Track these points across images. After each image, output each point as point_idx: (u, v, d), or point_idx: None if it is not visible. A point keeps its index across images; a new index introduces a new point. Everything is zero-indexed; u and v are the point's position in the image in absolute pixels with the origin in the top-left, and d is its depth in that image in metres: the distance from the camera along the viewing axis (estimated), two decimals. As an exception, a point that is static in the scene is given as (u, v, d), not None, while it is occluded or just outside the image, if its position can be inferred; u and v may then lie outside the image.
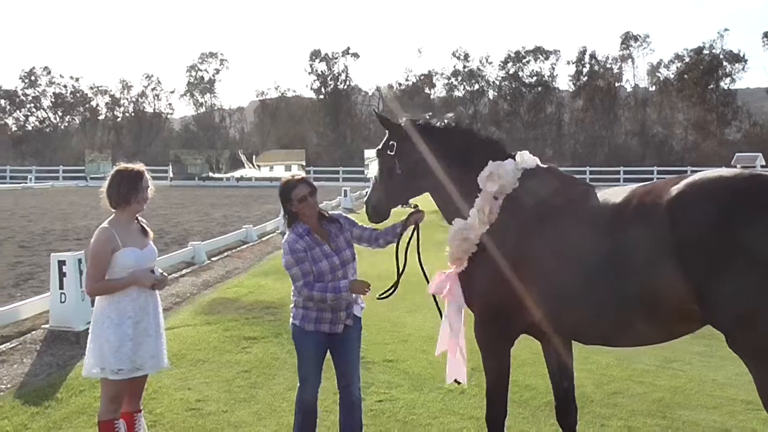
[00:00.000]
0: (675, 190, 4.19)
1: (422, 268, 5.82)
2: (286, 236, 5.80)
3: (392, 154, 5.63)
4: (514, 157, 5.23)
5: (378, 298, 5.89)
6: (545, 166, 5.26)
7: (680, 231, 4.06)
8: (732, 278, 3.90)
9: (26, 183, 61.22)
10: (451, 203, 5.40)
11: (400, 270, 5.81)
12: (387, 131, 5.78)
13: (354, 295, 5.76)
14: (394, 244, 5.85)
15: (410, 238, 5.82)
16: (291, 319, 5.84)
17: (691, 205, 4.09)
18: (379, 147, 5.81)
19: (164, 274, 5.69)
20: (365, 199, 6.02)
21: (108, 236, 5.33)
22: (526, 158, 5.20)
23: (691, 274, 4.03)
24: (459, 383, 5.67)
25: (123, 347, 5.27)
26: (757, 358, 4.01)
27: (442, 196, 5.49)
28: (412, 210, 5.87)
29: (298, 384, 5.84)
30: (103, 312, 5.34)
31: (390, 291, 5.93)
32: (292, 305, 5.86)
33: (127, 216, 5.48)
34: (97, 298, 5.45)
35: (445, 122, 5.62)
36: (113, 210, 5.47)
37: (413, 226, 5.84)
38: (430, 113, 5.86)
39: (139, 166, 5.56)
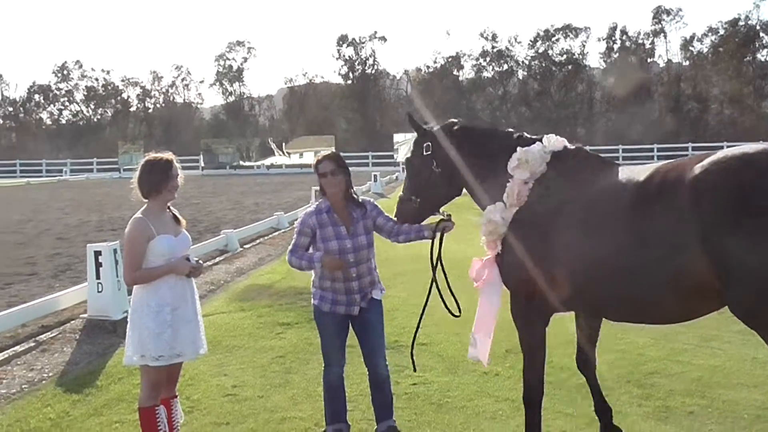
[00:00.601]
0: (698, 168, 4.18)
1: (446, 279, 5.92)
2: (308, 208, 6.01)
3: (429, 153, 5.62)
4: (541, 140, 5.22)
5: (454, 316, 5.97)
6: (573, 147, 5.24)
7: (702, 209, 4.06)
8: (752, 255, 3.90)
9: (61, 176, 62.01)
10: (485, 192, 5.42)
11: (437, 286, 5.91)
12: (417, 136, 5.79)
13: (371, 281, 5.95)
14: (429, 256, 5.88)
15: (438, 248, 5.87)
16: (312, 300, 6.04)
17: (713, 183, 4.08)
18: (409, 155, 5.83)
19: (200, 261, 5.74)
20: (396, 205, 5.97)
21: (143, 225, 5.38)
22: (553, 141, 5.21)
23: (711, 252, 4.03)
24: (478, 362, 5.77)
25: (163, 334, 5.33)
26: None
27: (478, 190, 5.51)
28: (444, 218, 5.87)
29: (324, 365, 6.05)
30: (142, 300, 5.39)
31: (456, 312, 5.97)
32: (312, 285, 6.05)
33: (159, 205, 5.53)
34: (135, 287, 5.50)
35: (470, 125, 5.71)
36: (145, 200, 5.52)
37: (440, 234, 5.85)
38: (459, 119, 5.87)
39: (167, 154, 5.59)
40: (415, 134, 5.83)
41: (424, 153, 5.65)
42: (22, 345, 9.07)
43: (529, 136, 5.39)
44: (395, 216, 5.92)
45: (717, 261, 4.03)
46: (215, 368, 8.02)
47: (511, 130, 5.56)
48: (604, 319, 5.41)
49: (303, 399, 7.05)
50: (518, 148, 5.18)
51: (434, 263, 5.84)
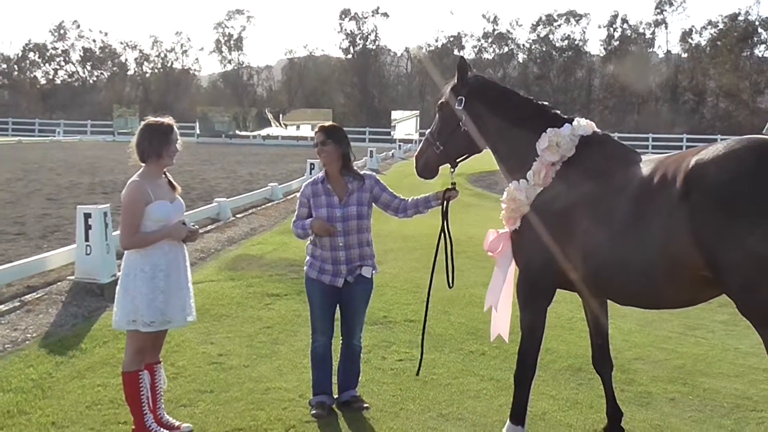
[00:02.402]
0: (693, 159, 4.24)
1: (449, 242, 5.93)
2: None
3: (460, 108, 5.55)
4: (571, 122, 5.20)
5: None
6: (601, 133, 5.24)
7: (693, 199, 4.13)
8: (739, 244, 3.97)
9: (54, 136, 61.60)
10: (510, 164, 5.41)
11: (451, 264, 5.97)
12: (455, 84, 5.64)
13: (361, 255, 6.03)
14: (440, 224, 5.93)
15: (445, 217, 5.91)
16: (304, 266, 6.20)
17: (704, 174, 4.14)
18: (442, 100, 5.73)
19: (196, 226, 5.70)
20: (415, 152, 5.99)
21: (141, 189, 5.33)
22: (583, 124, 5.19)
23: (702, 242, 4.10)
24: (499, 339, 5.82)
25: (155, 300, 5.30)
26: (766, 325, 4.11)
27: (503, 157, 5.49)
28: (449, 187, 5.90)
29: (311, 334, 6.22)
30: (135, 265, 5.34)
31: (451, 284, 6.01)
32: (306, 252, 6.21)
33: (157, 170, 5.47)
34: (127, 251, 5.45)
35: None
36: (142, 164, 5.46)
37: (446, 203, 5.90)
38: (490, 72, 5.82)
39: (168, 119, 5.54)
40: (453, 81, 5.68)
41: (456, 107, 5.57)
42: (7, 304, 9.00)
43: (560, 114, 5.35)
44: (416, 153, 5.93)
45: (706, 252, 4.10)
46: (202, 336, 8.01)
47: (546, 103, 5.50)
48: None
49: (288, 370, 7.05)
50: (548, 129, 5.15)
51: (443, 231, 5.90)
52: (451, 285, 5.96)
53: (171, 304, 5.40)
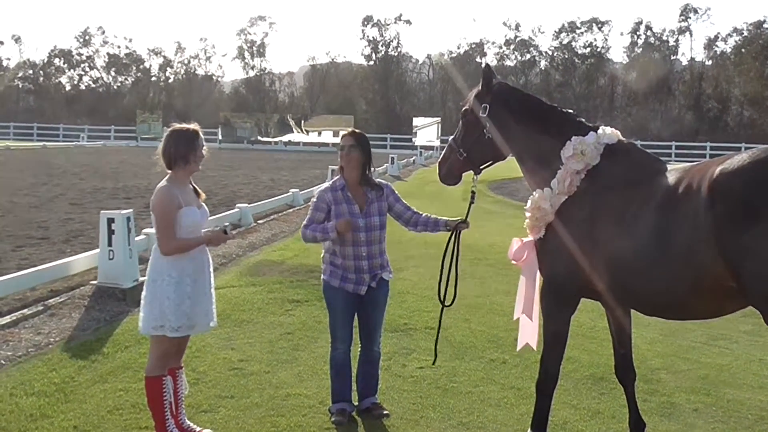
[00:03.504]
0: (718, 169, 4.21)
1: (456, 276, 5.97)
2: (322, 186, 6.14)
3: (484, 116, 5.54)
4: (596, 130, 5.18)
5: (444, 305, 6.08)
6: (626, 141, 5.22)
7: (716, 210, 4.11)
8: (764, 255, 3.93)
9: (78, 141, 62.19)
10: (534, 172, 5.39)
11: (446, 281, 6.00)
12: (480, 91, 5.63)
13: (381, 264, 6.06)
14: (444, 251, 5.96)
15: (454, 246, 5.93)
16: (322, 275, 6.17)
17: (727, 185, 4.12)
18: (466, 108, 5.72)
19: (233, 233, 5.72)
20: (439, 158, 5.98)
21: (172, 194, 5.33)
22: (608, 132, 5.16)
23: (727, 252, 4.07)
24: (531, 348, 5.78)
25: (182, 305, 5.31)
26: None
27: (527, 165, 5.48)
28: (461, 221, 5.96)
29: (330, 341, 6.19)
30: (162, 270, 5.34)
31: (452, 302, 6.07)
32: (322, 261, 6.17)
33: (184, 176, 5.48)
34: (152, 257, 5.43)
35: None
36: (168, 171, 5.47)
37: (455, 233, 5.96)
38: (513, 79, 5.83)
39: (193, 125, 5.56)
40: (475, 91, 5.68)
41: (480, 114, 5.55)
42: (31, 308, 9.08)
43: (585, 122, 5.33)
44: (440, 159, 5.91)
45: (731, 262, 4.07)
46: (223, 341, 8.03)
47: (571, 111, 5.48)
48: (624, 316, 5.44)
49: (309, 376, 7.05)
50: (573, 137, 5.13)
51: (452, 260, 5.91)
52: (444, 303, 6.02)
53: (197, 310, 5.43)
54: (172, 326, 5.31)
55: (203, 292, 5.50)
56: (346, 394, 6.13)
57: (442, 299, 6.01)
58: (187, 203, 5.39)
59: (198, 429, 5.70)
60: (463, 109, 5.76)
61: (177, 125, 5.55)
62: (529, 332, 5.70)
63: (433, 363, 6.50)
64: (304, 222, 6.04)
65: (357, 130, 6.24)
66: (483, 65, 5.78)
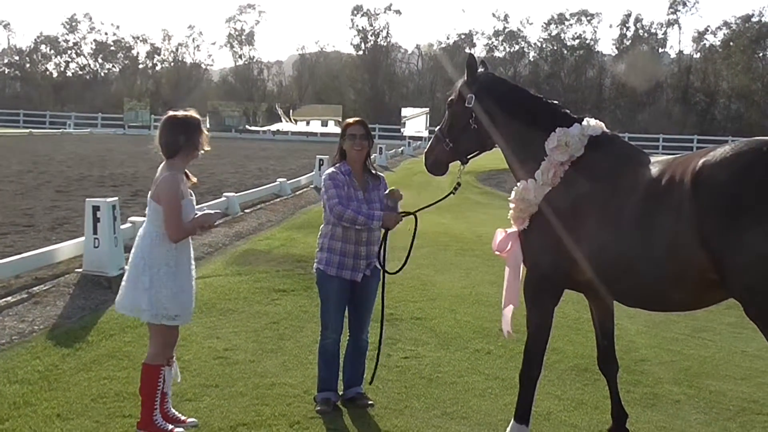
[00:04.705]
0: (701, 161, 4.23)
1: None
2: (327, 170, 6.12)
3: (470, 106, 5.54)
4: (580, 122, 5.18)
5: (388, 272, 6.21)
6: (609, 133, 5.24)
7: (699, 201, 4.13)
8: (745, 247, 3.96)
9: (65, 129, 61.79)
10: (519, 162, 5.40)
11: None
12: (465, 81, 5.63)
13: (374, 251, 6.10)
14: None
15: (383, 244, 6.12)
16: (315, 264, 6.14)
17: (710, 177, 4.14)
18: (452, 98, 5.73)
19: (218, 211, 5.74)
20: (425, 149, 6.01)
21: (179, 182, 5.33)
22: (593, 124, 5.17)
23: (708, 243, 4.10)
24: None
25: (181, 294, 5.34)
26: None
27: (512, 156, 5.48)
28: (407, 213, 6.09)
29: (321, 330, 6.19)
30: (160, 259, 5.32)
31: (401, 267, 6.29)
32: (317, 249, 6.14)
33: (183, 164, 5.45)
34: (148, 245, 5.37)
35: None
36: (168, 158, 5.41)
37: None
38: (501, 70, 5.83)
39: (192, 111, 5.53)
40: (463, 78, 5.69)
41: (466, 104, 5.56)
42: (15, 296, 9.02)
43: (570, 114, 5.33)
44: (426, 150, 5.95)
45: (713, 254, 4.09)
46: (208, 330, 8.01)
47: (555, 102, 5.47)
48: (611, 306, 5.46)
49: (294, 366, 7.05)
50: (558, 129, 5.14)
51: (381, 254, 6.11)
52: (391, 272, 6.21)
53: (190, 299, 5.47)
54: (169, 315, 5.32)
55: (192, 280, 5.52)
56: (333, 384, 6.15)
57: (382, 264, 6.12)
58: (185, 193, 5.39)
59: (183, 418, 5.69)
60: (449, 99, 5.77)
61: (179, 113, 5.48)
62: (508, 320, 5.71)
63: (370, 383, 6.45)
64: (335, 200, 5.86)
65: (361, 119, 6.28)
66: (467, 56, 5.77)
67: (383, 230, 6.03)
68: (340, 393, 6.22)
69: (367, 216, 5.82)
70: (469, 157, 5.79)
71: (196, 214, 5.51)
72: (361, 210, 5.87)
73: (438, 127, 5.90)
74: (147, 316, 5.36)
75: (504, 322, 5.72)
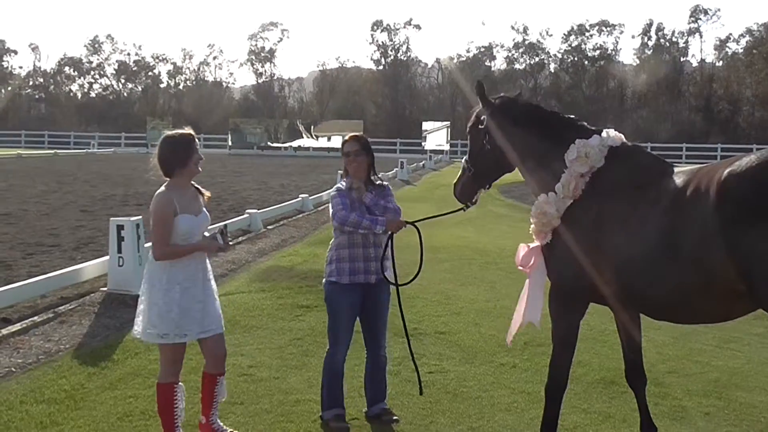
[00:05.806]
0: (726, 171, 4.18)
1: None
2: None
3: (482, 128, 5.56)
4: (599, 133, 5.16)
5: (391, 283, 6.16)
6: (630, 144, 5.20)
7: (725, 211, 4.08)
8: None
9: (89, 149, 62.38)
10: (537, 179, 5.38)
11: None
12: (480, 105, 5.67)
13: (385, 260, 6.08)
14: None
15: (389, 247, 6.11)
16: (325, 279, 6.14)
17: (736, 186, 4.09)
18: (470, 123, 5.77)
19: (229, 242, 5.71)
20: (455, 180, 5.96)
21: (168, 199, 5.34)
22: (612, 135, 5.14)
23: (735, 254, 4.04)
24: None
25: (170, 313, 5.29)
26: None
27: (531, 171, 5.46)
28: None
29: (329, 345, 6.13)
30: (155, 276, 5.36)
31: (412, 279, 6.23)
32: (326, 264, 6.13)
33: (183, 181, 5.49)
34: (149, 263, 5.47)
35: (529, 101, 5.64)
36: (167, 178, 5.49)
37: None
38: (519, 92, 5.82)
39: (187, 129, 5.58)
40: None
41: (479, 126, 5.59)
42: (41, 315, 9.10)
43: (588, 126, 5.31)
44: (456, 180, 5.92)
45: (740, 265, 4.04)
46: (232, 347, 7.99)
47: (572, 117, 5.46)
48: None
49: (318, 382, 6.94)
50: (577, 140, 5.11)
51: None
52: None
53: (187, 318, 5.36)
54: (157, 333, 5.32)
55: (196, 300, 5.42)
56: (340, 400, 6.08)
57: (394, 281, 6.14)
58: (184, 209, 5.38)
59: (229, 430, 5.74)
60: (468, 126, 5.80)
61: (171, 132, 5.58)
62: (513, 328, 5.69)
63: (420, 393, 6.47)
64: (339, 207, 5.90)
65: (358, 134, 6.27)
66: (477, 83, 5.75)
67: (387, 236, 6.03)
68: (364, 410, 6.19)
69: (371, 220, 5.86)
70: (490, 180, 5.77)
71: (208, 230, 5.54)
72: (363, 216, 5.90)
73: (464, 158, 5.92)
74: (137, 334, 5.44)
75: (510, 333, 5.70)
